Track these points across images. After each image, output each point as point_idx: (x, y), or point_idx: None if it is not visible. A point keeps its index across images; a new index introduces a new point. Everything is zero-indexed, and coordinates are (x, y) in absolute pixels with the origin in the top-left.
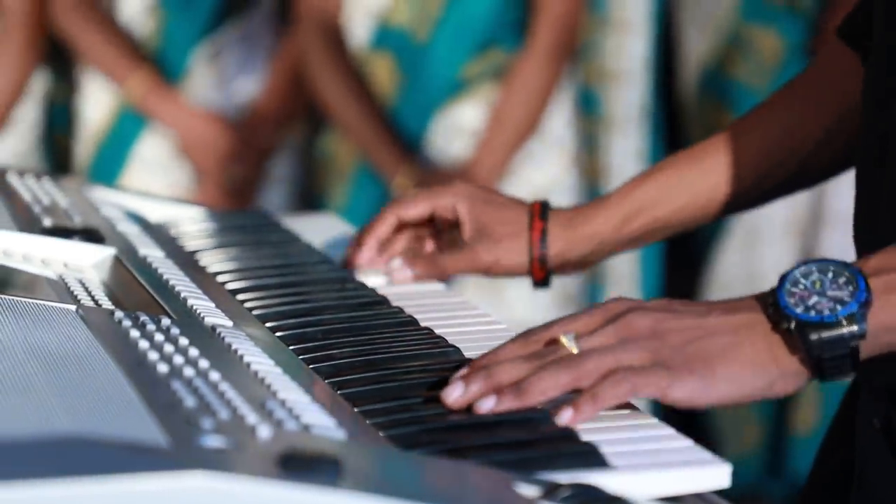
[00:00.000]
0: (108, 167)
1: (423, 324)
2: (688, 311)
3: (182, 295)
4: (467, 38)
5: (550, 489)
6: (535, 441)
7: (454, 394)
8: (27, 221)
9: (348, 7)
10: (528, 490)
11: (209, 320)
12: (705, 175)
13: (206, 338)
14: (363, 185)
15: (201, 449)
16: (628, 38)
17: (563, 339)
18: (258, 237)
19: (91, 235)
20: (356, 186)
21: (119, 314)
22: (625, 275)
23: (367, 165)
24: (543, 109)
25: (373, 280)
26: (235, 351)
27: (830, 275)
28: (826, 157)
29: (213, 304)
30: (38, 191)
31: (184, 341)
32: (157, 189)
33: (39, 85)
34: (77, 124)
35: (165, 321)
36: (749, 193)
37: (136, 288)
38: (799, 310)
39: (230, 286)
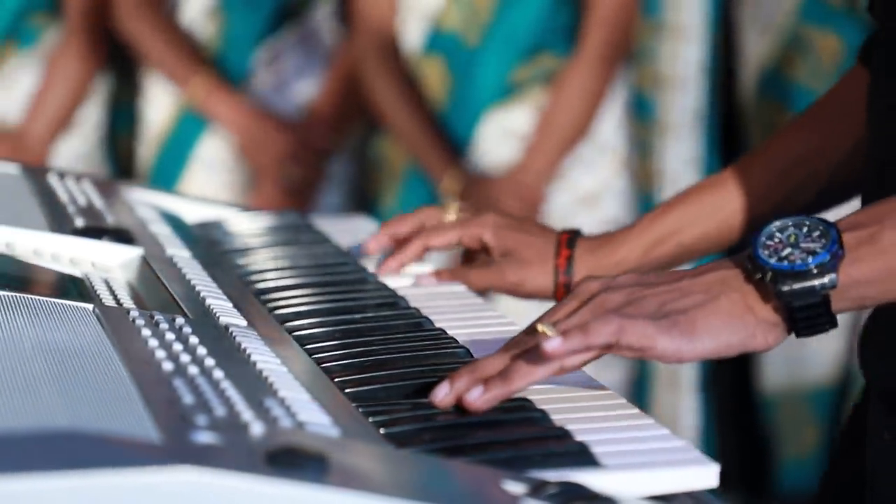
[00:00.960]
0: (169, 168)
1: (438, 324)
2: (659, 280)
3: (201, 295)
4: (517, 43)
5: (537, 487)
6: (529, 440)
7: (440, 393)
8: (60, 222)
9: (402, 11)
10: (515, 487)
11: (224, 320)
12: (727, 201)
13: (217, 337)
14: (413, 186)
15: (192, 445)
16: (683, 43)
17: (542, 327)
18: (288, 238)
19: (120, 236)
20: (407, 188)
21: (134, 313)
22: None
23: (418, 168)
24: (593, 114)
25: (395, 282)
26: (244, 350)
27: (805, 229)
28: (846, 180)
29: (230, 305)
30: (76, 192)
31: (194, 340)
32: (216, 189)
33: (103, 87)
34: (140, 126)
35: (180, 320)
36: (770, 217)
37: (158, 288)
38: (772, 260)
39: (253, 286)
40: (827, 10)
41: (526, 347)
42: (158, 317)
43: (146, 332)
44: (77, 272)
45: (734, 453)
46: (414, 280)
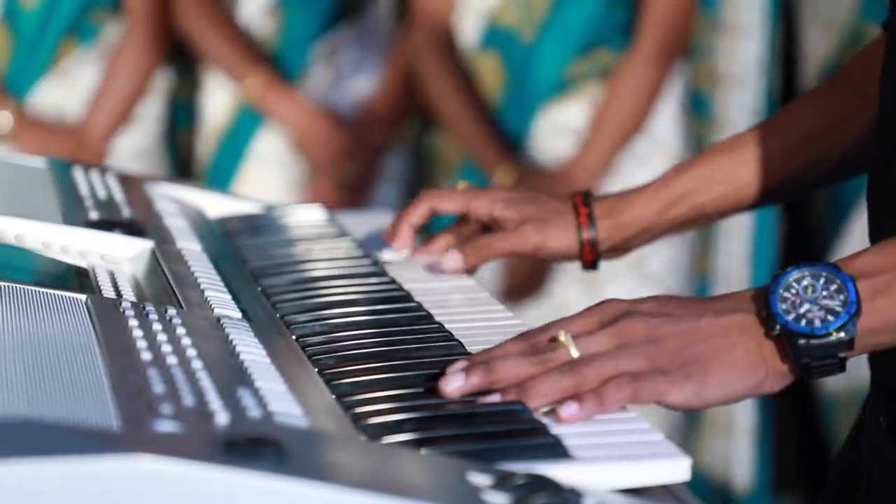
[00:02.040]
0: (226, 163)
1: (440, 318)
2: (681, 313)
3: (202, 286)
4: (573, 38)
5: (502, 479)
6: (503, 433)
7: (454, 384)
8: (74, 214)
9: (459, 7)
10: (480, 479)
11: (218, 311)
12: (746, 165)
13: (205, 328)
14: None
15: (150, 433)
16: (741, 40)
17: (562, 338)
18: (306, 233)
19: (132, 229)
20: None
21: (126, 304)
22: (736, 276)
23: (472, 163)
24: (648, 110)
25: (407, 274)
26: (231, 341)
27: (822, 280)
28: (867, 153)
29: (229, 297)
30: (98, 185)
31: (181, 331)
32: (273, 185)
33: (163, 82)
34: (198, 121)
35: (171, 311)
36: (791, 184)
37: (160, 279)
38: (790, 317)
39: (260, 279)
40: (887, 7)
41: (544, 360)
42: (149, 308)
43: (133, 322)
44: (84, 264)
45: (793, 455)
46: (440, 265)
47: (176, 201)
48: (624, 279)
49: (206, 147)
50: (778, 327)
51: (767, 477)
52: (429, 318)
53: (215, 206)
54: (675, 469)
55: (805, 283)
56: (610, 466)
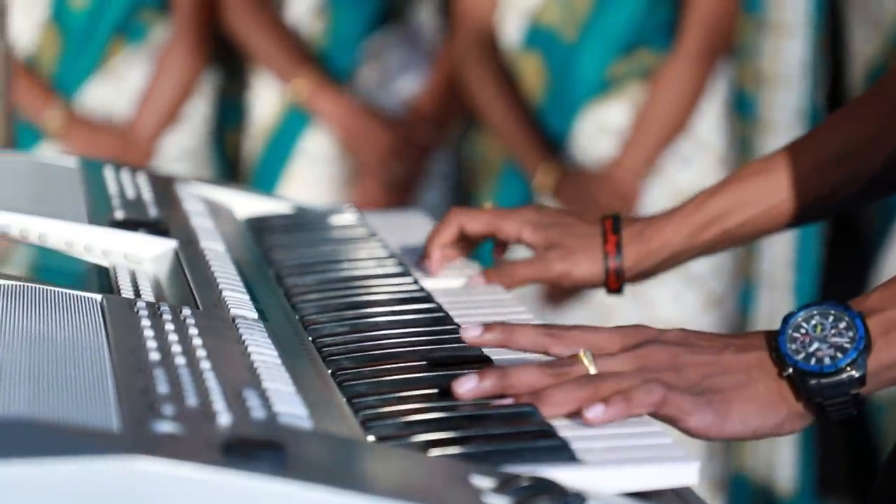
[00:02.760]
0: (274, 163)
1: (459, 320)
2: (704, 346)
3: (220, 287)
4: (615, 38)
5: (505, 482)
6: (511, 435)
7: (466, 385)
8: (100, 214)
9: (501, 7)
10: (483, 482)
11: (234, 311)
12: (778, 187)
13: (219, 329)
14: (510, 183)
15: (149, 434)
16: (786, 40)
17: (582, 356)
18: (333, 234)
19: (157, 229)
20: (503, 184)
21: (140, 304)
22: (780, 279)
23: (514, 164)
24: (691, 111)
25: (438, 283)
26: (243, 342)
27: (831, 319)
28: None
29: (247, 297)
30: (128, 185)
31: (193, 331)
32: (320, 184)
33: (210, 82)
34: (246, 121)
35: (186, 311)
36: (823, 204)
37: (180, 279)
38: (799, 357)
39: (283, 279)
40: None
41: (562, 372)
42: (164, 308)
43: (146, 322)
44: (106, 263)
45: (838, 458)
46: (462, 281)
47: (205, 201)
48: (668, 281)
49: (254, 147)
50: (789, 368)
51: (812, 480)
52: (448, 319)
53: (246, 206)
54: (683, 473)
55: (814, 322)
56: (616, 470)
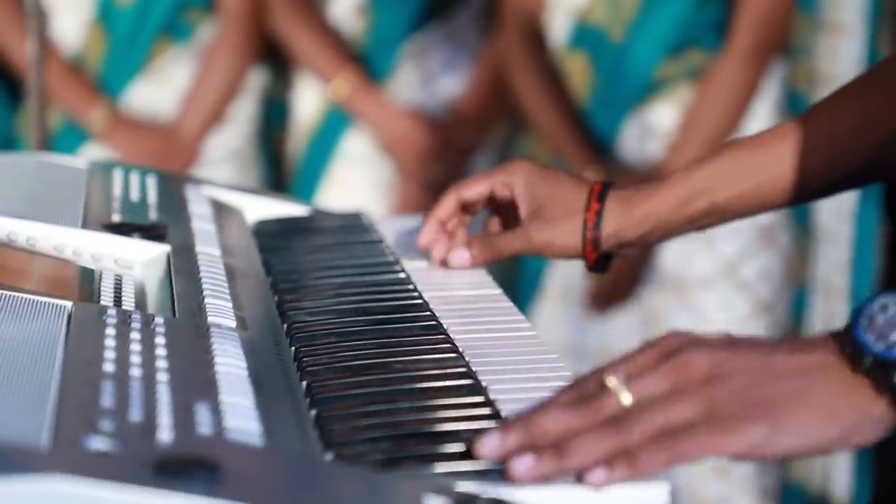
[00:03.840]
0: (315, 164)
1: (453, 330)
2: (751, 349)
3: (204, 294)
4: (663, 38)
5: (461, 502)
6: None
7: (488, 446)
8: (96, 217)
9: (548, 7)
10: (437, 502)
11: (212, 319)
12: (770, 162)
13: (190, 338)
14: None
15: (78, 452)
16: (842, 40)
17: (611, 384)
18: (340, 240)
19: (151, 233)
20: None
21: (111, 312)
22: (836, 284)
23: (561, 166)
24: (742, 112)
25: (433, 282)
26: (212, 352)
27: None
28: None
29: (229, 305)
30: (134, 188)
31: (160, 341)
32: (360, 185)
33: (257, 82)
34: (289, 121)
35: (159, 320)
36: (815, 183)
37: (166, 285)
38: (880, 346)
39: (279, 285)
40: None
41: (589, 414)
42: (135, 316)
43: (111, 331)
44: (94, 268)
45: (893, 474)
46: (447, 261)
47: (215, 205)
48: (716, 287)
49: (296, 147)
50: (867, 360)
51: (868, 490)
52: (438, 328)
53: (259, 209)
54: (651, 495)
55: (891, 311)
56: (580, 491)
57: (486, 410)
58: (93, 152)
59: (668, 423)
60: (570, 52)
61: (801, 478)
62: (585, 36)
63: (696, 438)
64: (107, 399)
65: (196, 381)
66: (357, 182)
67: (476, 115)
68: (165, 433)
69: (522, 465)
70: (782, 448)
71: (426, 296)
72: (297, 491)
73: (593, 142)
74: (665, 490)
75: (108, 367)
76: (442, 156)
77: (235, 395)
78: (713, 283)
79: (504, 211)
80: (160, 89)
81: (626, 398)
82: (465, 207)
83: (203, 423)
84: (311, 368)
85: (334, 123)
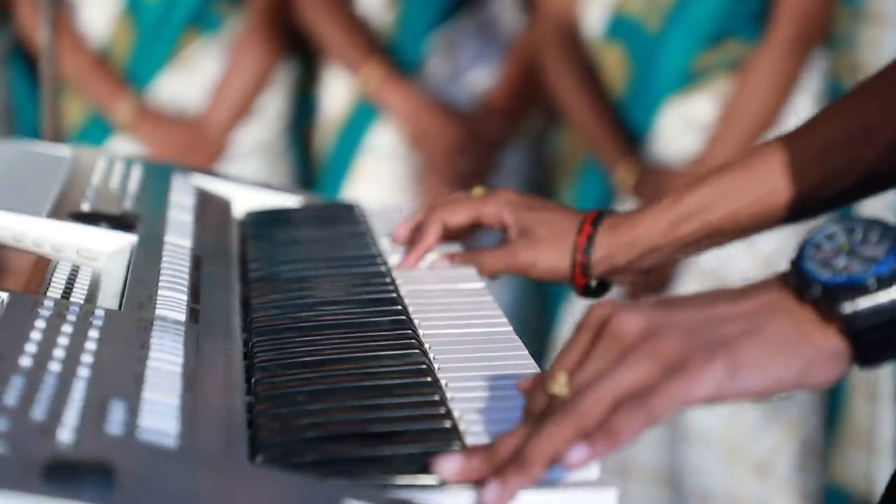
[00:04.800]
0: (342, 157)
1: (424, 325)
2: (686, 304)
3: (159, 285)
4: (701, 28)
5: None
6: (416, 456)
7: (448, 467)
8: (66, 206)
9: None
10: None
11: (160, 312)
12: (762, 179)
13: (128, 332)
14: (590, 180)
15: None
16: (885, 31)
17: (553, 387)
18: (324, 231)
19: (119, 222)
20: (583, 182)
21: (47, 303)
22: None
23: (595, 162)
24: (781, 105)
25: (414, 273)
26: (147, 347)
27: (859, 234)
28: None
29: (183, 297)
30: (115, 176)
31: (93, 334)
32: (387, 179)
33: (287, 76)
34: (317, 115)
35: (99, 312)
36: (810, 199)
37: (121, 277)
38: (825, 273)
39: (250, 276)
40: None
41: (542, 413)
42: (73, 308)
43: (40, 323)
44: (53, 258)
45: None
46: (428, 265)
47: (201, 195)
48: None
49: (323, 140)
50: (815, 290)
51: None
52: (407, 324)
53: (249, 200)
54: (597, 500)
55: (838, 239)
56: (523, 497)
57: (439, 410)
58: (119, 145)
59: (624, 390)
60: (605, 43)
61: (843, 480)
62: (622, 27)
63: (659, 393)
64: (11, 396)
65: (120, 377)
66: (384, 176)
67: (506, 107)
68: (66, 433)
69: (488, 496)
70: (745, 386)
71: (404, 289)
72: (202, 496)
73: (628, 135)
74: (613, 495)
75: (25, 361)
76: (470, 149)
77: (160, 393)
78: (748, 271)
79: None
80: (188, 81)
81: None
82: (450, 235)
83: (114, 422)
84: (263, 364)
85: (362, 117)
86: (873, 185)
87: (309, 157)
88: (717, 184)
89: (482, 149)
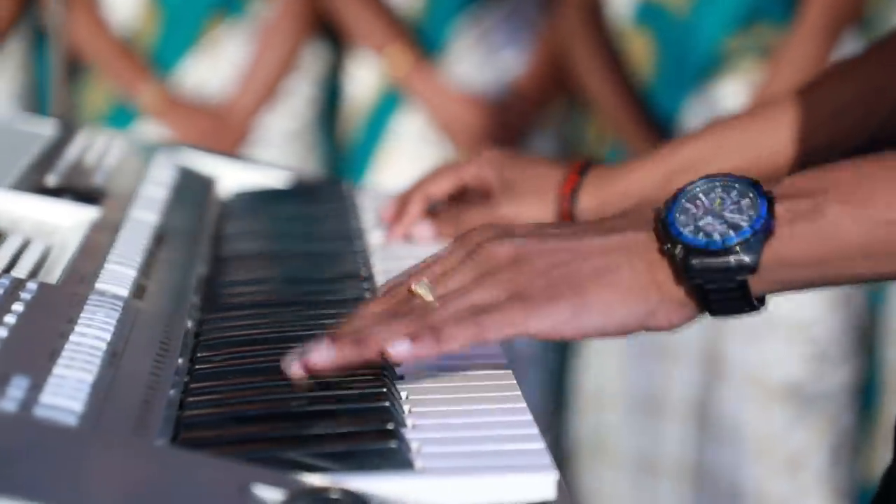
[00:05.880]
0: (368, 143)
1: None
2: (559, 233)
3: (107, 259)
4: (731, 11)
5: (296, 494)
6: (342, 436)
7: (294, 359)
8: (31, 180)
9: None
10: (268, 493)
11: (100, 287)
12: (769, 134)
13: (58, 305)
14: None
15: None
16: None
17: (418, 289)
18: (306, 209)
19: (84, 196)
20: None
21: None
22: None
23: (621, 148)
24: None
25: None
26: (75, 322)
27: (734, 194)
28: None
29: (133, 272)
30: (93, 152)
31: (17, 307)
32: (414, 165)
33: (317, 63)
34: (344, 102)
35: (31, 285)
36: (816, 159)
37: (68, 251)
38: (686, 230)
39: (214, 255)
40: None
41: (397, 305)
42: (2, 280)
43: None
44: (8, 231)
45: None
46: (411, 236)
47: (183, 172)
48: None
49: (349, 126)
50: (672, 244)
51: None
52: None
53: (238, 178)
54: (536, 486)
55: (714, 195)
56: (450, 481)
57: (379, 389)
58: (143, 131)
59: (472, 306)
60: (634, 29)
61: (877, 476)
62: (651, 12)
63: (497, 315)
64: None
65: (35, 352)
66: (410, 163)
67: (534, 95)
68: None
69: (319, 355)
70: (586, 325)
71: (377, 268)
72: (99, 477)
73: (656, 121)
74: (552, 479)
75: None
76: (498, 137)
77: (74, 370)
78: None
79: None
80: (213, 65)
81: (430, 296)
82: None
83: (12, 397)
84: (208, 342)
85: (388, 104)
86: (880, 147)
87: (333, 143)
88: (720, 137)
89: (510, 137)
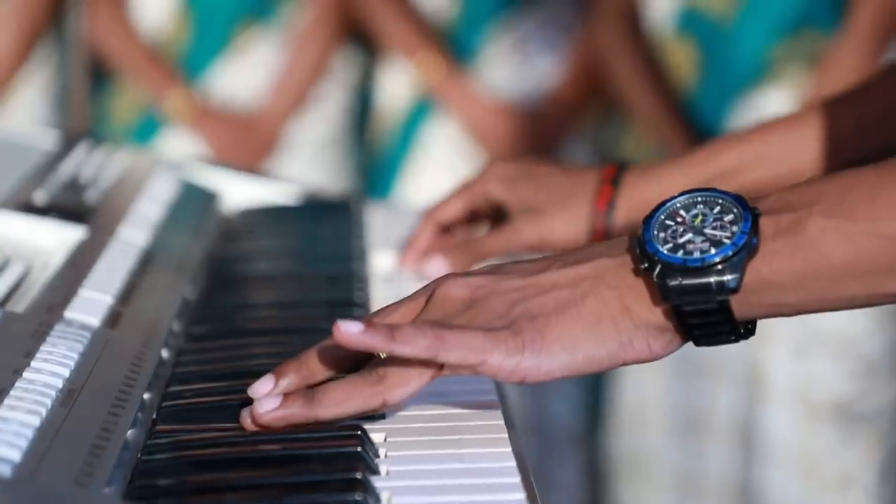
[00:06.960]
0: (398, 152)
1: None
2: (519, 269)
3: (83, 285)
4: (777, 18)
5: None
6: (307, 486)
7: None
8: (19, 196)
9: None
10: None
11: (70, 315)
12: (809, 143)
13: (19, 336)
14: None
15: None
16: None
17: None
18: (310, 228)
19: (72, 215)
20: None
21: None
22: None
23: (660, 157)
24: None
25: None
26: (32, 356)
27: (717, 209)
28: None
29: (109, 298)
30: (90, 164)
31: None
32: (445, 176)
33: (348, 72)
34: (373, 111)
35: None
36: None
37: (43, 275)
38: (665, 248)
39: (206, 278)
40: None
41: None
42: None
43: None
44: None
45: None
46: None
47: (186, 188)
48: None
49: (380, 135)
50: (649, 262)
51: None
52: None
53: (245, 195)
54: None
55: (696, 210)
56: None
57: (352, 432)
58: (171, 141)
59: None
60: (676, 38)
61: None
62: (693, 20)
63: (455, 334)
64: None
65: None
66: (443, 173)
67: (568, 103)
68: None
69: (266, 405)
70: (552, 365)
71: (376, 293)
72: None
73: (699, 131)
74: (520, 498)
75: None
76: (532, 146)
77: (18, 412)
78: None
79: (497, 221)
80: (243, 72)
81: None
82: (446, 230)
83: None
84: (182, 374)
85: (419, 112)
86: None
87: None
88: (757, 144)
89: (544, 145)
